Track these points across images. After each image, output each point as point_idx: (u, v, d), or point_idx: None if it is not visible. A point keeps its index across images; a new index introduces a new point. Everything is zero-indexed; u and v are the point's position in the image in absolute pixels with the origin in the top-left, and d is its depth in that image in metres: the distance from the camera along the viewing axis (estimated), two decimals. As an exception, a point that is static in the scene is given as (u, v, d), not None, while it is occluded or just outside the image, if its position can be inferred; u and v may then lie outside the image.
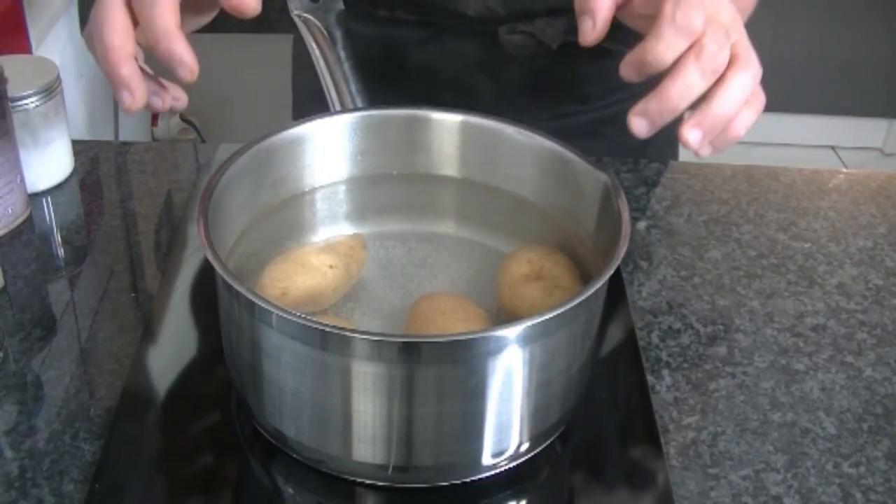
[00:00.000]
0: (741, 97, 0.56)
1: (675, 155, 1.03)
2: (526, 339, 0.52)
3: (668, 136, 1.01)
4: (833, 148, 2.55)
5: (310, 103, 0.98)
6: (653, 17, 0.56)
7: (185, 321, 0.70)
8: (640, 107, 0.56)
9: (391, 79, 0.88)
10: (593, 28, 0.59)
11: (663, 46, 0.56)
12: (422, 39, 0.89)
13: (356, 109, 0.69)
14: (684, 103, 0.56)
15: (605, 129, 0.94)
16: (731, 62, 0.57)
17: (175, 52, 0.55)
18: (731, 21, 0.58)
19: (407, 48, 0.89)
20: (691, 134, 0.56)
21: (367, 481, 0.57)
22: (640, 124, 0.56)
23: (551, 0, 0.85)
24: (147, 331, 0.68)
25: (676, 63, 0.56)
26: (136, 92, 0.56)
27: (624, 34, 0.89)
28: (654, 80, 0.59)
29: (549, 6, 0.85)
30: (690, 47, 0.56)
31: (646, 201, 0.84)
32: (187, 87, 0.59)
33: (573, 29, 0.87)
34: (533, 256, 0.64)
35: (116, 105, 1.88)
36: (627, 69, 0.58)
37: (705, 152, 0.59)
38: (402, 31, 0.89)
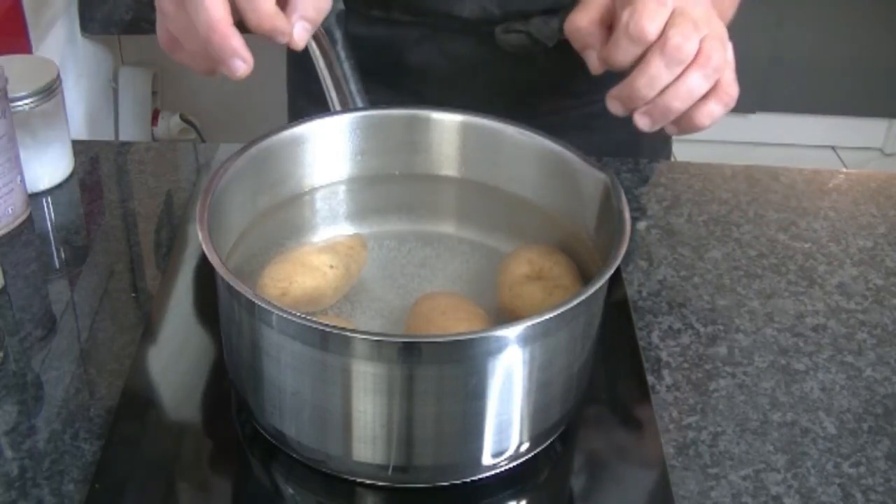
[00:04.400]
0: (690, 95, 0.61)
1: (667, 150, 1.03)
2: (526, 339, 0.52)
3: (659, 131, 1.01)
4: (833, 148, 2.55)
5: (304, 101, 0.98)
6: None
7: (185, 321, 0.70)
8: (615, 91, 0.63)
9: (386, 78, 0.88)
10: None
11: (619, 52, 0.61)
12: (416, 39, 0.89)
13: (356, 109, 0.69)
14: (651, 93, 0.61)
15: (596, 122, 0.94)
16: (694, 58, 0.61)
17: (229, 46, 0.57)
18: (703, 16, 0.62)
19: (401, 48, 0.89)
20: (641, 120, 0.63)
21: (367, 481, 0.57)
22: (614, 105, 0.63)
23: None
24: (147, 331, 0.68)
25: (643, 55, 0.61)
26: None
27: None
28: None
29: (545, 5, 0.85)
30: (658, 40, 0.60)
31: (646, 201, 0.84)
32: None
33: None
34: (533, 256, 0.64)
35: (116, 105, 1.88)
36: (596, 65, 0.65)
37: (671, 131, 0.65)
38: (397, 31, 0.89)
